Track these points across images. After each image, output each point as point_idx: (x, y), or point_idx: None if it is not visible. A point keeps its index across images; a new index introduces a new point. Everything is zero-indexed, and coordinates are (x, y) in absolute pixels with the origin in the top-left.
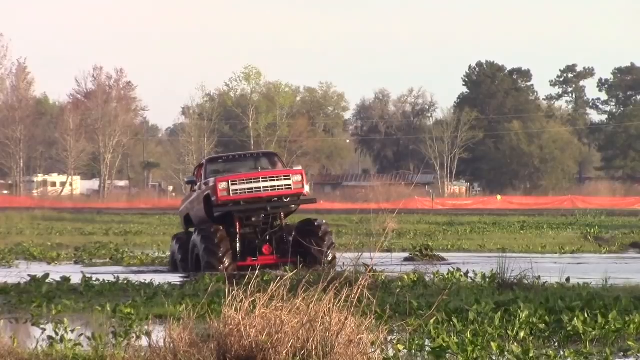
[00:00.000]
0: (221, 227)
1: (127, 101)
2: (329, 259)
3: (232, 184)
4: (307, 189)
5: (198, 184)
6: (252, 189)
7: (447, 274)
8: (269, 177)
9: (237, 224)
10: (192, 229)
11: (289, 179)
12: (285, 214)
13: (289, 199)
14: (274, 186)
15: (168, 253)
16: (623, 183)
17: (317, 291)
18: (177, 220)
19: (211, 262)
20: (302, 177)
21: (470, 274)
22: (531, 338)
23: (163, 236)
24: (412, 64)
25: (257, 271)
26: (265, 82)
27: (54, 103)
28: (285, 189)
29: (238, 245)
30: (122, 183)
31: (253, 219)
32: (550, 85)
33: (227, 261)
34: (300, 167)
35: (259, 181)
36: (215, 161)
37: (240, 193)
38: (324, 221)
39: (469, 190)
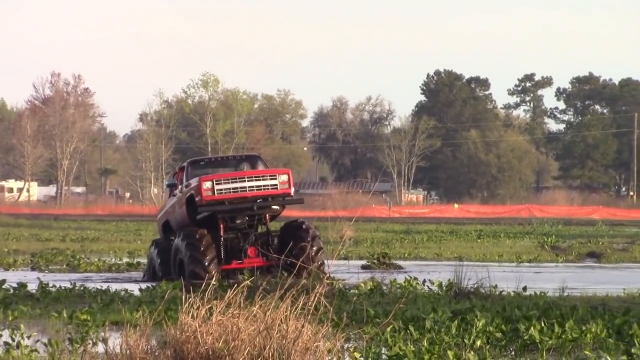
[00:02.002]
0: (205, 232)
1: (85, 107)
2: (317, 264)
3: (216, 184)
4: (293, 189)
5: (179, 187)
6: (237, 188)
7: (404, 283)
8: (255, 177)
9: (221, 225)
10: (172, 237)
11: (275, 178)
12: (270, 216)
13: (275, 199)
14: (260, 186)
15: (125, 260)
16: (580, 192)
17: (274, 298)
18: (133, 227)
19: (196, 271)
20: (289, 177)
21: (427, 283)
22: (488, 347)
23: (120, 243)
24: (370, 72)
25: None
26: (223, 89)
27: (12, 109)
28: (272, 189)
29: (222, 248)
30: (79, 189)
31: (237, 221)
32: (508, 94)
33: (213, 269)
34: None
35: (245, 181)
36: (197, 163)
37: (225, 193)
38: (309, 222)
39: (426, 198)
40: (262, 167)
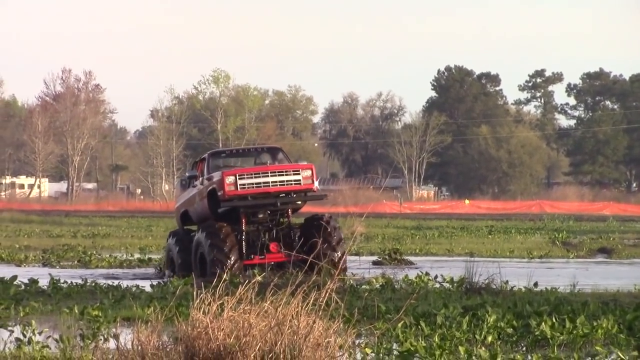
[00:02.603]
0: (228, 227)
1: (96, 103)
2: (338, 254)
3: (239, 178)
4: (316, 184)
5: (200, 178)
6: (260, 183)
7: (415, 278)
8: (278, 172)
9: (243, 220)
10: (189, 227)
11: (299, 173)
12: (292, 210)
13: (298, 194)
14: (283, 181)
15: (137, 256)
16: (591, 188)
17: (285, 294)
18: (144, 223)
19: (218, 258)
20: (312, 172)
21: (439, 278)
22: (499, 342)
23: (131, 239)
24: (381, 68)
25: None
26: (233, 85)
27: (23, 105)
28: (295, 184)
29: (244, 243)
30: (90, 185)
31: (259, 216)
32: (519, 89)
33: (233, 257)
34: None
35: (268, 176)
36: (218, 155)
37: (248, 188)
38: (332, 216)
39: (437, 194)
40: (284, 160)
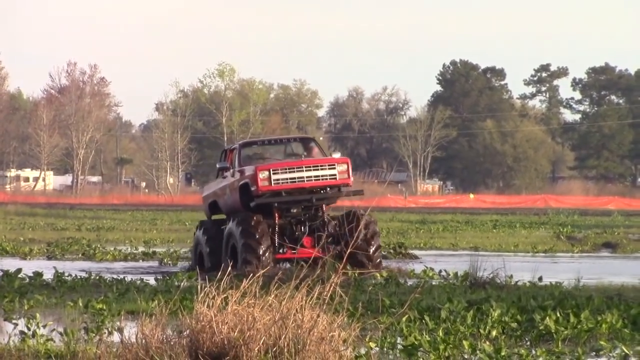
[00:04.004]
0: (262, 218)
1: (101, 97)
2: (373, 249)
3: (273, 173)
4: (352, 179)
5: (231, 170)
6: (294, 178)
7: (420, 272)
8: (313, 166)
9: (276, 215)
10: (217, 217)
11: (334, 168)
12: (327, 205)
13: (333, 189)
14: (318, 176)
15: (141, 249)
16: (596, 183)
17: (289, 288)
18: (149, 216)
19: (251, 260)
20: (348, 167)
21: (443, 273)
22: (503, 337)
23: (135, 232)
24: (387, 62)
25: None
26: (239, 78)
27: (28, 98)
28: (330, 179)
29: (277, 237)
30: (94, 179)
31: (293, 210)
32: (524, 84)
33: (264, 246)
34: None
35: (302, 170)
36: (249, 146)
37: (282, 183)
38: (368, 212)
39: (442, 188)
40: (316, 150)
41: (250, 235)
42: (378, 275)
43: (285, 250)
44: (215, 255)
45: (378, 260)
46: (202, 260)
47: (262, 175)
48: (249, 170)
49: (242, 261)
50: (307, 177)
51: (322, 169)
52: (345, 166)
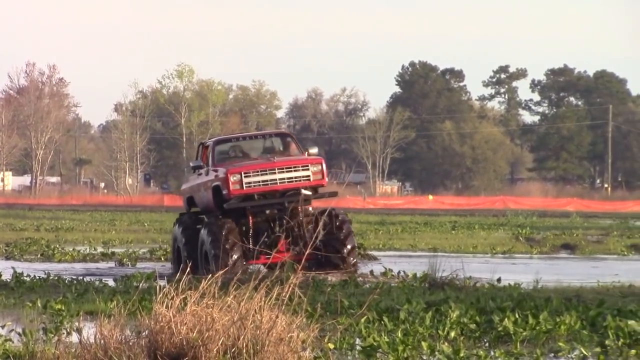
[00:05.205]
0: (233, 225)
1: (60, 97)
2: (347, 250)
3: (245, 176)
4: (327, 179)
5: (205, 168)
6: (267, 181)
7: (379, 274)
8: (286, 168)
9: (250, 217)
10: (195, 209)
11: (308, 169)
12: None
13: (307, 192)
14: (291, 178)
15: (100, 250)
16: (555, 184)
17: (248, 289)
18: (107, 216)
19: (220, 257)
20: (322, 167)
21: (402, 274)
22: (462, 338)
23: (94, 232)
24: (345, 63)
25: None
26: (198, 79)
27: None
28: (304, 180)
29: (251, 240)
30: (53, 179)
31: (267, 212)
32: (483, 85)
33: (235, 256)
34: (317, 154)
35: (275, 172)
36: (223, 143)
37: (254, 186)
38: (342, 212)
39: (401, 189)
40: (292, 146)
41: (220, 246)
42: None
43: (258, 256)
44: (193, 252)
45: (353, 261)
46: (179, 256)
47: (234, 178)
48: (220, 172)
49: (212, 268)
50: (279, 179)
51: (295, 170)
52: (319, 167)
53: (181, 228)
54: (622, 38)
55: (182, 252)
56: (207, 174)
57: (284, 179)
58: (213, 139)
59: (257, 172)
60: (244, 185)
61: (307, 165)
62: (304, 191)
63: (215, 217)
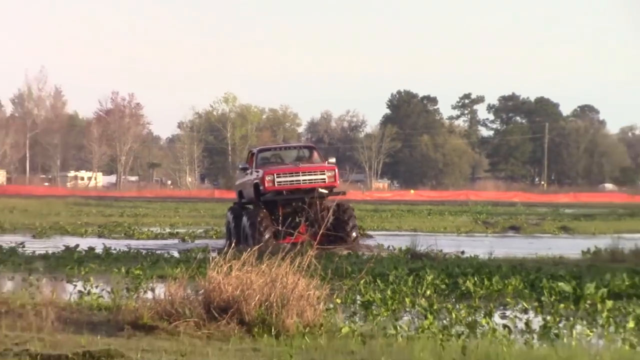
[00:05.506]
0: (264, 211)
1: (137, 117)
2: (349, 228)
3: (277, 177)
4: (338, 182)
5: (250, 170)
6: (293, 181)
7: (374, 247)
8: (308, 172)
9: (280, 207)
10: (243, 200)
11: (324, 174)
12: (319, 200)
13: (324, 190)
14: (312, 179)
15: (167, 230)
16: (504, 182)
17: (277, 260)
18: (173, 206)
19: (256, 237)
20: (335, 173)
21: (390, 248)
22: (435, 295)
23: (163, 218)
24: (349, 92)
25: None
26: (239, 104)
27: (83, 118)
28: (321, 182)
29: (280, 225)
30: (133, 178)
31: (293, 204)
32: (452, 108)
33: (267, 236)
34: (333, 162)
35: (299, 175)
36: (264, 151)
37: (284, 184)
38: (350, 205)
39: (390, 186)
40: (315, 155)
41: (255, 229)
42: (343, 249)
43: (285, 237)
44: (239, 233)
45: (354, 235)
46: (230, 234)
47: (269, 178)
48: (260, 173)
49: (251, 244)
50: (303, 180)
51: (314, 174)
52: (333, 172)
53: (232, 215)
54: (556, 72)
55: (232, 231)
56: (251, 174)
57: (306, 180)
58: (257, 148)
59: (286, 174)
60: (276, 184)
61: (324, 171)
62: (320, 190)
63: (254, 207)
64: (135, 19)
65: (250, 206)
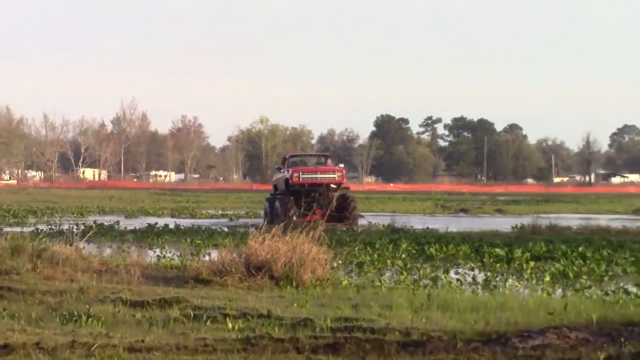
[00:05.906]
0: (291, 198)
1: (199, 133)
2: (351, 209)
3: (302, 174)
4: (345, 179)
5: (283, 170)
6: (312, 177)
7: (365, 224)
8: (323, 172)
9: (303, 196)
10: (278, 194)
11: (335, 173)
12: (331, 191)
13: (334, 185)
14: (326, 177)
15: (220, 212)
16: (456, 178)
17: (297, 232)
18: (224, 196)
19: (285, 214)
20: (343, 173)
21: (377, 224)
22: (408, 258)
23: (217, 203)
24: (348, 115)
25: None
26: (270, 123)
27: (161, 133)
28: (332, 179)
29: (302, 208)
30: (195, 176)
31: (312, 194)
32: (419, 126)
33: (292, 213)
34: (342, 167)
35: (317, 173)
36: (294, 157)
37: (306, 179)
38: (353, 196)
39: (376, 181)
40: (329, 161)
41: (285, 211)
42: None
43: (305, 216)
44: (272, 216)
45: (354, 213)
46: (266, 218)
47: (295, 175)
48: (290, 171)
49: (280, 221)
50: (319, 177)
51: (328, 174)
52: (341, 173)
53: (268, 202)
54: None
55: (267, 213)
56: (283, 172)
57: (322, 177)
58: (289, 154)
59: (308, 172)
60: (301, 179)
61: (335, 172)
62: (332, 185)
63: (284, 196)
64: (200, 58)
65: (281, 196)
